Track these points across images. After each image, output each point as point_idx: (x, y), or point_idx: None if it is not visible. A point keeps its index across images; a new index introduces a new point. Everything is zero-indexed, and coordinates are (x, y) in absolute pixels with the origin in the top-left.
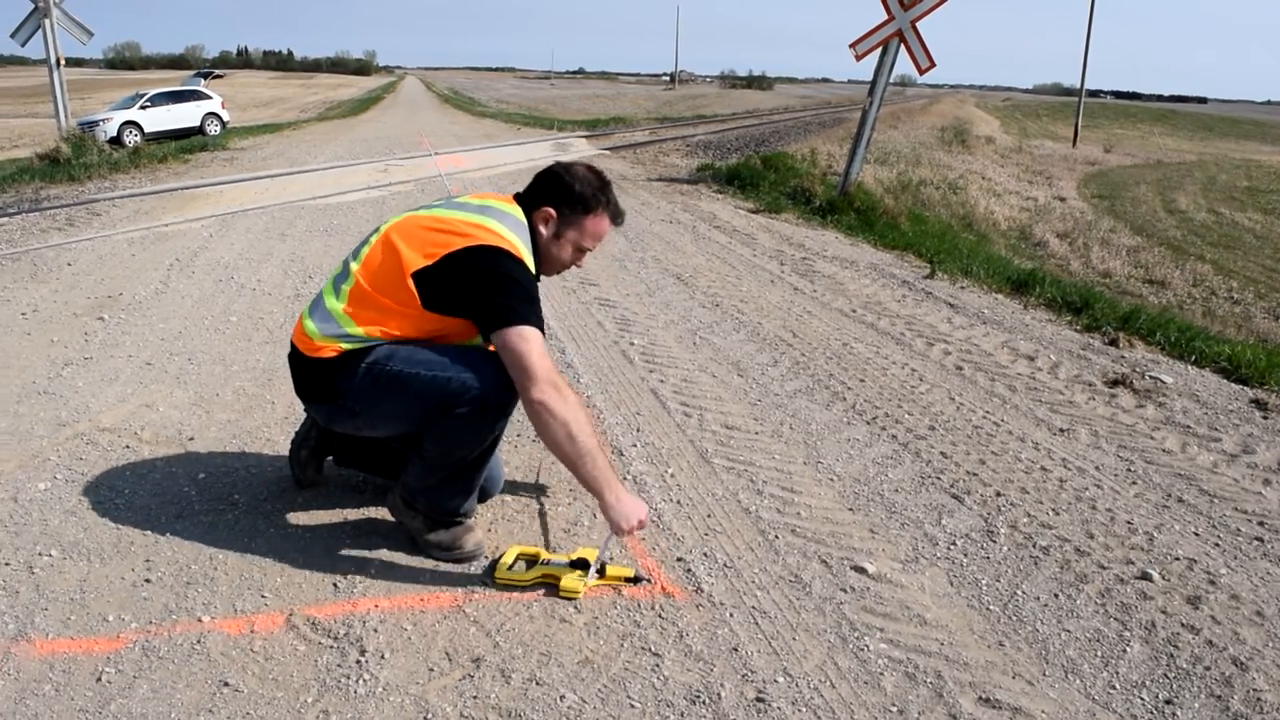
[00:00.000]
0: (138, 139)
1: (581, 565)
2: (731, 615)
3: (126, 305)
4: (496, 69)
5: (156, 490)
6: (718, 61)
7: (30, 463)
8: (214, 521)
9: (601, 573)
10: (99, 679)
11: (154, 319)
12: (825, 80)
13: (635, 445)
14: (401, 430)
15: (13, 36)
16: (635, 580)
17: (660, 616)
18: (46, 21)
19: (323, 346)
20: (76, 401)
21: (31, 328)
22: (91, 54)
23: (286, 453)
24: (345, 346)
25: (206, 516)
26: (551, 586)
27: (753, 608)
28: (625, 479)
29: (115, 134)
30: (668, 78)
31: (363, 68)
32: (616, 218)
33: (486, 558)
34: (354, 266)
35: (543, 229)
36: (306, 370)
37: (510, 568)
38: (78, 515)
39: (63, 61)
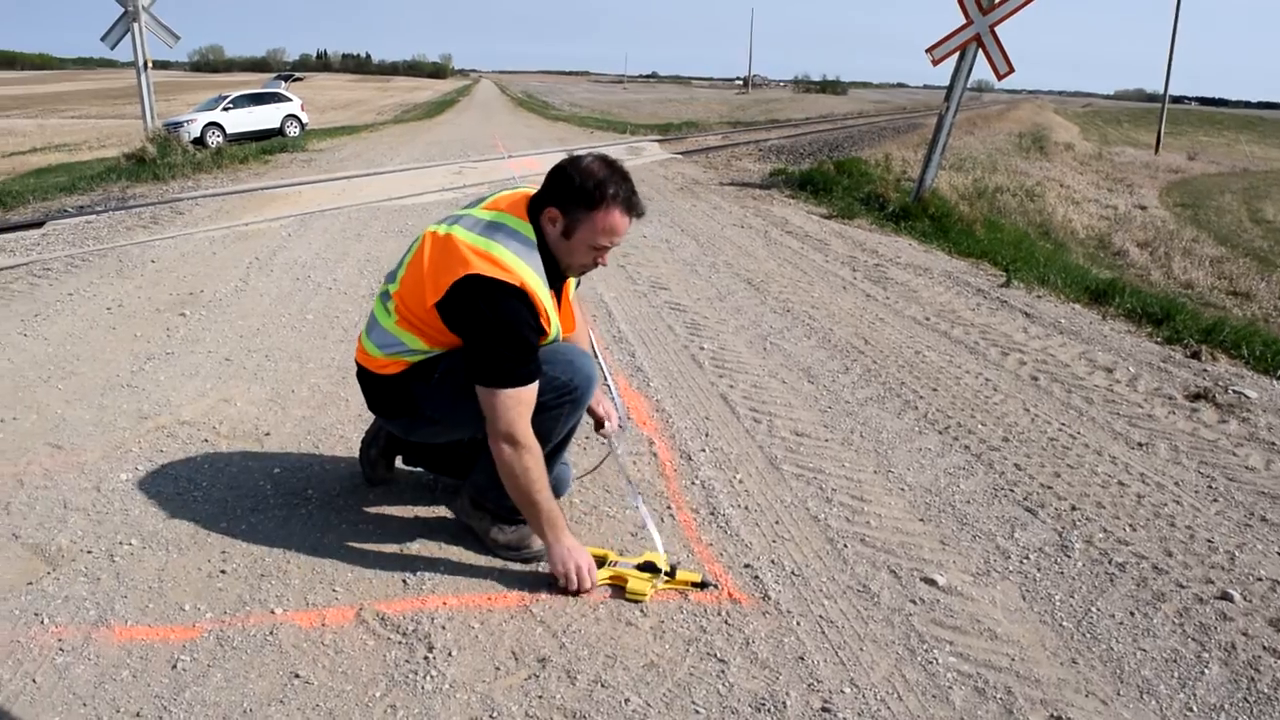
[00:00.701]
0: (220, 140)
1: (650, 569)
2: (798, 624)
3: (207, 302)
4: (570, 73)
5: (233, 484)
6: (791, 65)
7: (113, 454)
8: (288, 516)
9: (671, 575)
10: (174, 666)
11: (233, 316)
12: (900, 85)
13: (704, 450)
14: (483, 430)
15: (103, 40)
16: (702, 585)
17: (727, 623)
18: (135, 25)
19: (388, 363)
20: (158, 395)
21: (116, 322)
22: (177, 57)
23: (359, 450)
24: (410, 360)
25: (281, 510)
26: (619, 588)
27: (820, 617)
28: (694, 483)
29: (199, 135)
30: (741, 82)
31: (439, 71)
32: (631, 210)
33: None
34: (393, 289)
35: (549, 230)
36: (378, 387)
37: None
38: (157, 506)
39: (150, 64)
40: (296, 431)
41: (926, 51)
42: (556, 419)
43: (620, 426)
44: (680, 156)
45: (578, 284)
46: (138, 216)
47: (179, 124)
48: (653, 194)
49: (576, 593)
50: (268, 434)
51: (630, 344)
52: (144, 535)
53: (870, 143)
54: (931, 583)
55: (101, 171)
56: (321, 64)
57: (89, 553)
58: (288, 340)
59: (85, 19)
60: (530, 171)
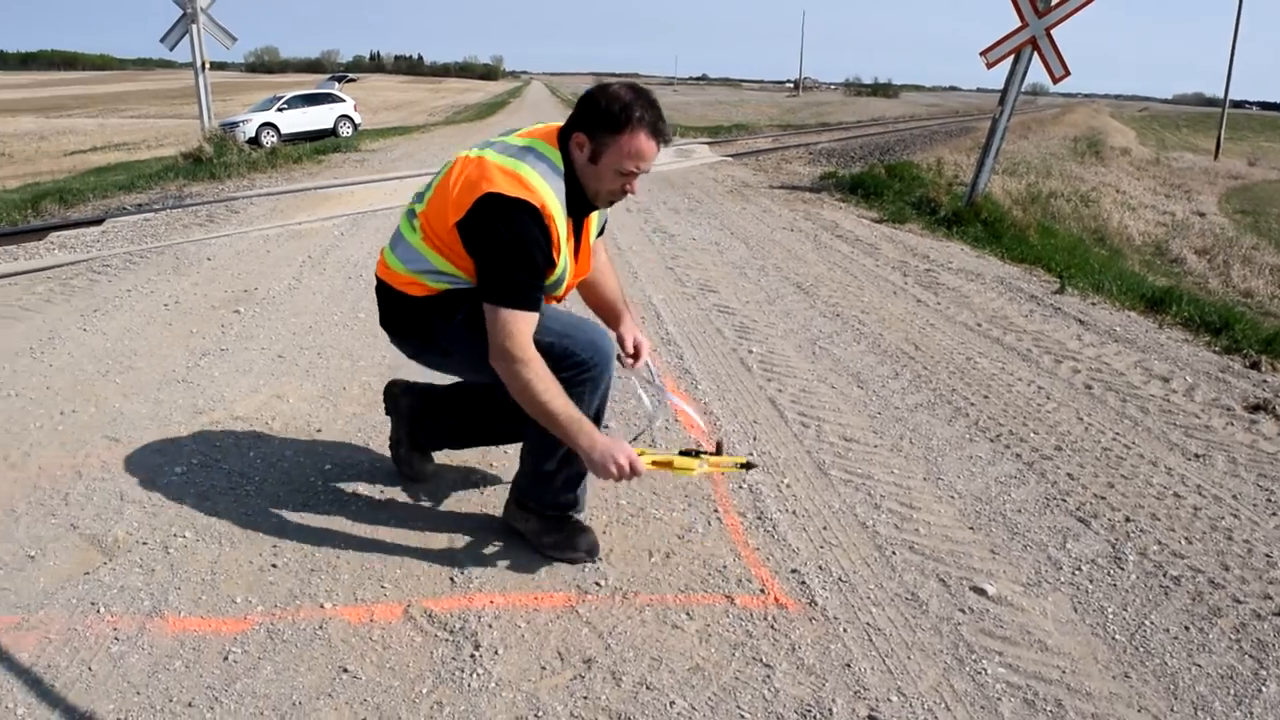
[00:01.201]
0: (274, 140)
1: (690, 455)
2: (845, 630)
3: (261, 299)
4: (620, 74)
5: (285, 479)
6: (842, 68)
7: (168, 447)
8: (338, 511)
9: (718, 451)
10: (226, 658)
11: (286, 313)
12: (953, 88)
13: (752, 454)
14: (492, 379)
15: (162, 41)
16: (748, 466)
17: (773, 628)
18: (194, 27)
19: (411, 281)
20: (212, 391)
21: (173, 318)
22: (233, 58)
23: (390, 451)
24: (430, 284)
25: (331, 506)
26: (665, 473)
27: (867, 624)
28: (741, 487)
29: (254, 135)
30: (791, 84)
31: (490, 72)
32: (658, 135)
33: (600, 559)
34: (419, 209)
35: (577, 155)
36: (398, 306)
37: None
38: (210, 500)
39: (207, 65)
40: (347, 428)
41: (981, 54)
42: (579, 397)
43: (650, 380)
44: (730, 159)
45: (600, 231)
46: (194, 215)
47: (235, 124)
48: (702, 196)
49: (630, 476)
50: (319, 430)
51: (679, 346)
52: (198, 528)
53: (922, 146)
54: (981, 592)
55: (159, 170)
56: (374, 65)
57: (144, 544)
58: (340, 338)
59: (145, 21)
60: None
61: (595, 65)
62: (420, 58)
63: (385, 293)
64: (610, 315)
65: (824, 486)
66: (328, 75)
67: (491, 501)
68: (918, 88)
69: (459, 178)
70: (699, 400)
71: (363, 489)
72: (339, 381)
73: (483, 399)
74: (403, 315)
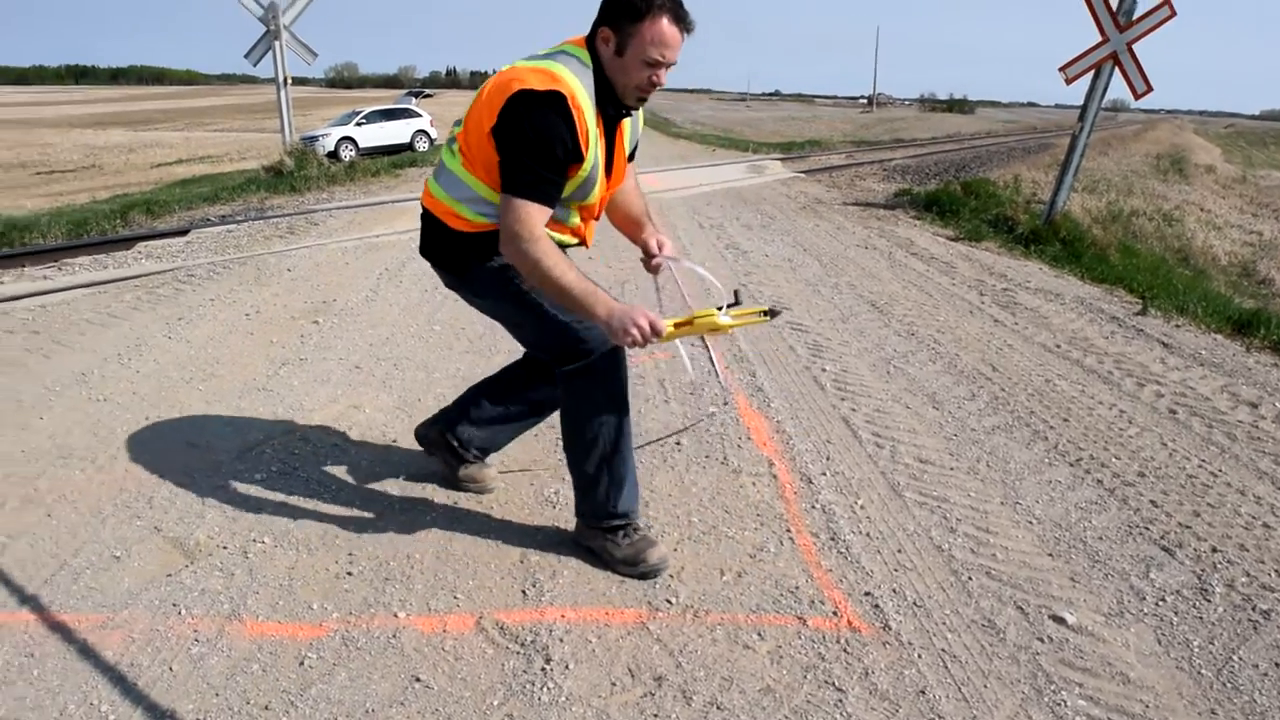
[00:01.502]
0: (353, 154)
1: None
2: (920, 656)
3: (339, 310)
4: (692, 90)
5: (360, 488)
6: (916, 84)
7: (248, 454)
8: (412, 521)
9: (736, 301)
10: (301, 663)
11: (363, 325)
12: (1031, 104)
13: (825, 474)
14: (510, 334)
15: (246, 57)
16: (771, 313)
17: (845, 651)
18: (276, 44)
19: (451, 211)
20: (291, 399)
21: (254, 328)
22: (314, 73)
23: (485, 459)
24: (470, 216)
25: (405, 516)
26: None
27: (942, 650)
28: (814, 507)
29: (333, 148)
30: (865, 100)
31: None
32: (680, 21)
33: (671, 576)
34: (457, 130)
35: (603, 51)
36: (438, 235)
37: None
38: (289, 506)
39: (289, 80)
40: None
41: (1060, 70)
42: (590, 387)
43: (676, 261)
44: (803, 175)
45: (631, 154)
46: (275, 226)
47: (315, 138)
48: (775, 213)
49: (655, 337)
50: (394, 441)
51: (751, 363)
52: (276, 534)
53: (999, 163)
54: (1060, 621)
55: (242, 183)
56: (450, 81)
57: (224, 548)
58: (415, 350)
59: (230, 38)
60: (652, 189)
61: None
62: (495, 73)
63: (427, 220)
64: (634, 228)
65: (898, 508)
66: (405, 90)
67: (563, 515)
68: (994, 103)
69: (491, 85)
70: (771, 419)
71: (437, 499)
72: (414, 393)
73: (504, 379)
74: (442, 246)
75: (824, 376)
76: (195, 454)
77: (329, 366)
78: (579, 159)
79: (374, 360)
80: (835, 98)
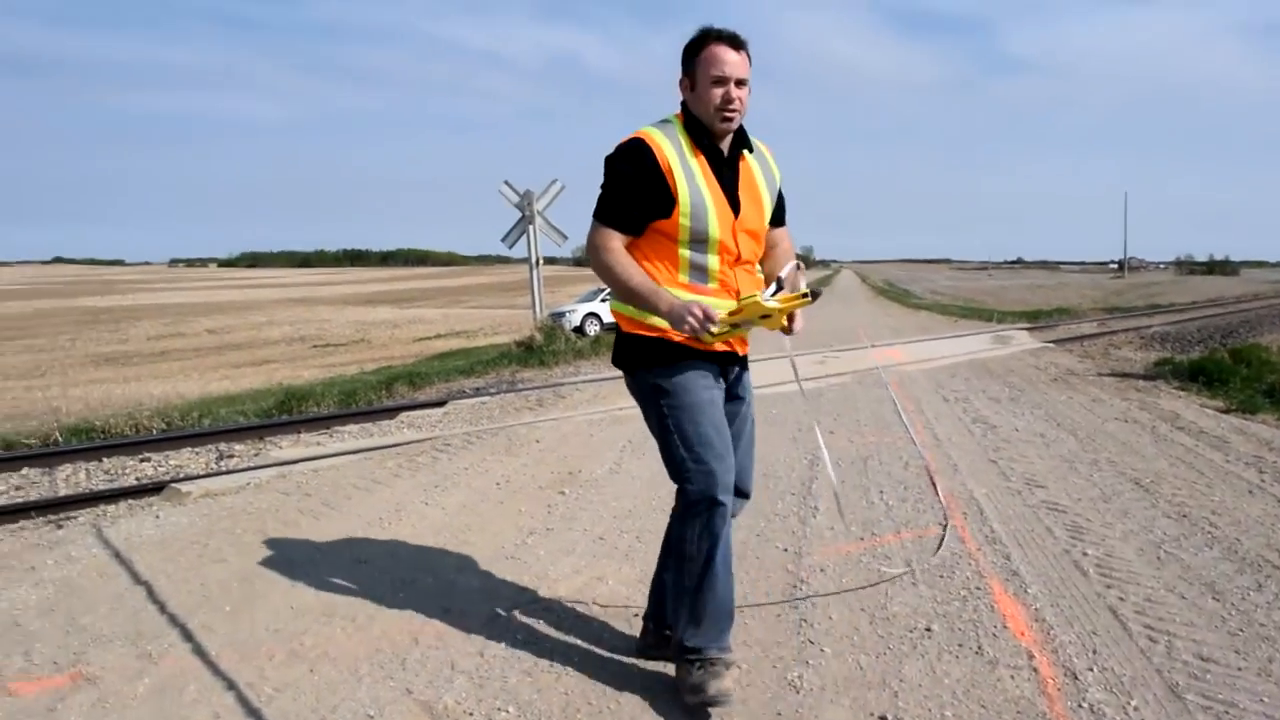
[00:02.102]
0: (598, 329)
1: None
2: None
3: (584, 482)
4: (930, 260)
5: (603, 660)
6: (1171, 247)
7: (495, 621)
8: (654, 699)
9: (780, 287)
10: None
11: (607, 496)
12: None
13: (1091, 669)
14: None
15: (503, 240)
16: (813, 295)
17: None
18: (530, 228)
19: (624, 314)
20: (537, 568)
21: (504, 497)
22: (563, 254)
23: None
24: (630, 314)
25: (647, 694)
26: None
27: None
28: (1080, 706)
29: (579, 324)
30: (1115, 265)
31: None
32: (733, 42)
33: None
34: None
35: (686, 96)
36: (620, 340)
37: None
38: (533, 677)
39: (541, 261)
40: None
41: None
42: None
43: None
44: (1052, 345)
45: (780, 215)
46: (525, 399)
47: (562, 314)
48: (1024, 385)
49: (710, 324)
50: (636, 615)
51: (1004, 545)
52: (520, 704)
53: (1271, 327)
54: None
55: (495, 357)
56: None
57: (470, 715)
58: (658, 523)
59: (487, 222)
60: (893, 361)
61: (904, 252)
62: None
63: (616, 329)
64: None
65: (1178, 711)
66: None
67: (808, 701)
68: (1261, 264)
69: None
70: (1029, 606)
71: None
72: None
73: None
74: (619, 346)
75: (1086, 561)
76: (447, 619)
77: (574, 537)
78: (663, 187)
79: (617, 532)
80: (1082, 263)
